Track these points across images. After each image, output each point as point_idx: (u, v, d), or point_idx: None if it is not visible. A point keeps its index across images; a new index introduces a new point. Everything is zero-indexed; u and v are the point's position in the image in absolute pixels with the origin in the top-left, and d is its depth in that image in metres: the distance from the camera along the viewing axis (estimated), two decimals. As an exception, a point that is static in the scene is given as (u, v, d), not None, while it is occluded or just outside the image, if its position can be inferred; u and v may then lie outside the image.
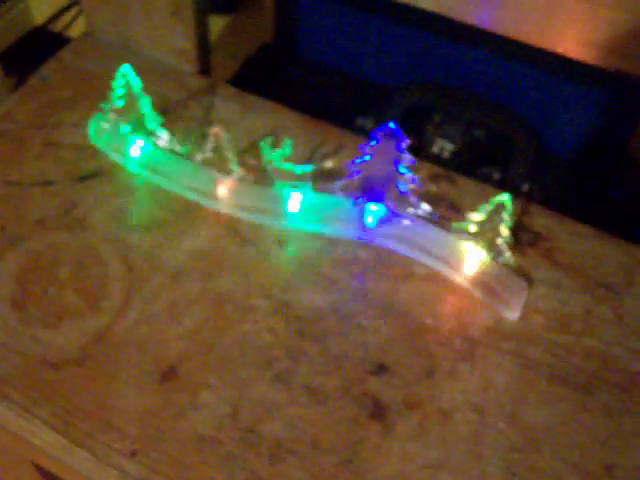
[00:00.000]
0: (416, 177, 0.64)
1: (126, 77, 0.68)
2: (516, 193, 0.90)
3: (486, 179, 0.94)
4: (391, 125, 0.60)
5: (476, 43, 0.95)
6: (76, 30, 1.25)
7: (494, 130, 0.94)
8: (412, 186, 0.64)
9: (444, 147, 0.94)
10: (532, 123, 0.96)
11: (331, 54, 1.07)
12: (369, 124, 0.96)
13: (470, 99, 0.96)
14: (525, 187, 0.92)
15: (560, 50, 0.64)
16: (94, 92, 0.79)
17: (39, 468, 0.71)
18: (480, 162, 0.95)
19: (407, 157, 0.62)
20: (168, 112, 0.77)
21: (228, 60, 1.08)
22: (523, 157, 0.93)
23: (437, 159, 0.94)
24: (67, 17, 1.30)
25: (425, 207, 0.66)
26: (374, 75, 1.06)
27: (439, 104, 0.96)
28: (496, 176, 0.94)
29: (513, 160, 0.94)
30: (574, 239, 0.71)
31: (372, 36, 1.02)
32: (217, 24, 1.18)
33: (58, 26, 1.31)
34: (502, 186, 0.92)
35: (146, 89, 0.72)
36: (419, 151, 0.96)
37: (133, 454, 0.56)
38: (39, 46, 1.25)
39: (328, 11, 1.02)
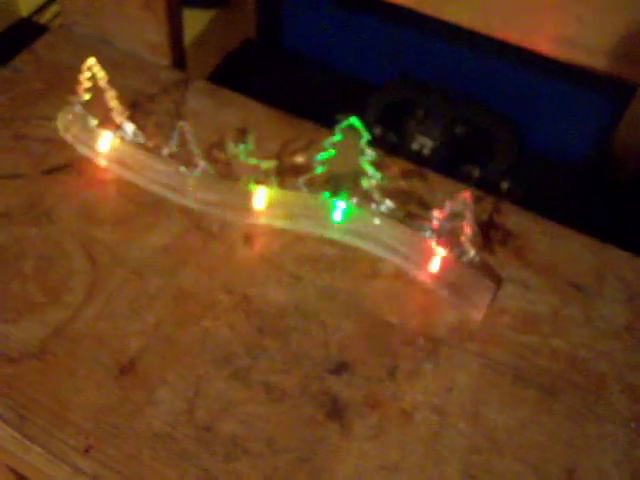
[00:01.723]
0: (379, 173, 0.63)
1: (92, 69, 0.67)
2: (496, 190, 0.90)
3: (466, 177, 0.93)
4: (353, 120, 0.60)
5: (461, 40, 0.95)
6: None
7: (475, 127, 0.94)
8: (374, 182, 0.64)
9: (425, 144, 0.94)
10: (514, 120, 0.95)
11: (314, 49, 1.06)
12: (350, 120, 0.96)
13: (451, 96, 0.95)
14: (505, 185, 0.92)
15: (529, 45, 0.63)
16: (66, 85, 0.78)
17: (14, 471, 0.71)
18: (461, 159, 0.94)
19: (369, 153, 0.61)
20: (140, 105, 0.77)
21: (211, 55, 1.07)
22: (503, 154, 0.93)
23: (418, 156, 0.94)
24: (53, 9, 1.29)
25: (389, 203, 0.65)
26: (357, 71, 1.05)
27: (421, 101, 0.95)
28: (476, 173, 0.94)
29: (493, 157, 0.93)
30: (546, 238, 0.70)
31: (355, 32, 1.02)
32: (200, 19, 1.17)
33: (44, 18, 1.30)
34: (482, 184, 0.92)
35: (119, 82, 0.71)
36: (400, 148, 0.95)
37: (87, 450, 0.55)
38: (25, 38, 1.24)
39: (311, 6, 1.02)
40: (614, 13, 0.58)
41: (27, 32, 1.27)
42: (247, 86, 0.84)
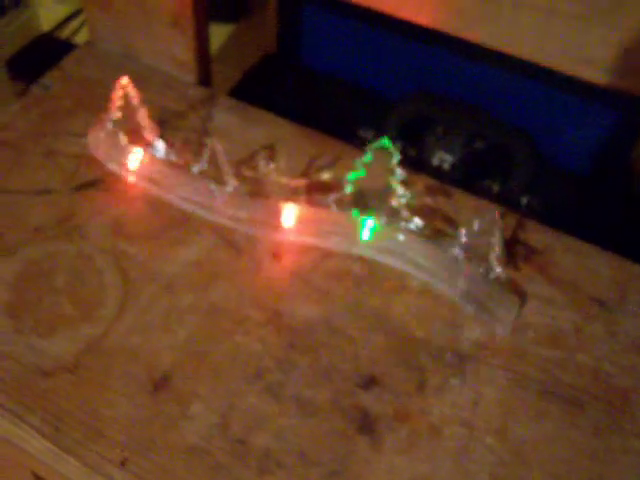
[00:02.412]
0: (408, 192, 0.64)
1: (125, 88, 0.69)
2: (515, 206, 0.91)
3: (486, 191, 0.94)
4: (384, 141, 0.61)
5: (478, 55, 0.96)
6: (82, 37, 1.26)
7: (494, 142, 0.95)
8: (404, 201, 0.65)
9: (444, 159, 0.95)
10: (533, 135, 0.96)
11: (333, 64, 1.07)
12: (370, 135, 0.97)
13: (470, 111, 0.96)
14: (524, 200, 0.93)
15: (555, 66, 0.64)
16: (95, 101, 0.79)
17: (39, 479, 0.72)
18: (480, 174, 0.95)
19: (399, 172, 0.63)
20: (167, 122, 0.78)
21: (231, 69, 1.09)
22: (523, 169, 0.94)
23: (437, 171, 0.95)
24: (74, 24, 1.31)
25: (417, 221, 0.66)
26: (376, 86, 1.06)
27: (440, 116, 0.96)
28: (496, 188, 0.94)
29: (513, 172, 0.94)
30: (569, 254, 0.71)
31: (374, 47, 1.03)
32: (220, 33, 1.19)
33: (65, 33, 1.32)
34: (502, 198, 0.93)
35: (146, 99, 0.72)
36: (419, 163, 0.96)
37: (123, 463, 0.56)
38: (46, 52, 1.26)
39: (330, 22, 1.03)
40: (635, 32, 0.59)
41: (49, 47, 1.29)
42: (267, 101, 0.85)
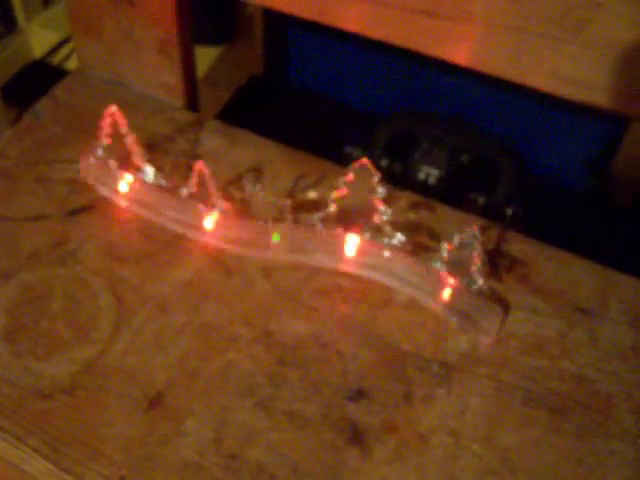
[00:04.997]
0: (389, 209, 0.66)
1: (113, 115, 0.70)
2: (501, 217, 0.93)
3: (472, 204, 0.96)
4: (364, 160, 0.63)
5: (462, 72, 0.98)
6: (74, 63, 1.28)
7: (479, 156, 0.97)
8: (386, 217, 0.67)
9: (430, 173, 0.97)
10: (517, 149, 0.98)
11: (319, 84, 1.09)
12: (357, 152, 0.99)
13: (455, 126, 0.98)
14: (509, 211, 0.95)
15: (529, 82, 0.66)
16: (86, 128, 0.81)
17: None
18: (466, 187, 0.97)
19: (380, 190, 0.64)
20: (156, 147, 0.80)
21: (219, 91, 1.11)
22: (507, 182, 0.96)
23: (423, 185, 0.97)
24: (65, 50, 1.33)
25: (400, 237, 0.68)
26: (362, 104, 1.08)
27: (425, 131, 0.98)
28: (481, 201, 0.96)
29: (498, 185, 0.96)
30: (551, 264, 0.73)
31: (359, 66, 1.05)
32: (208, 56, 1.21)
33: (56, 59, 1.34)
34: (487, 211, 0.95)
35: (136, 124, 0.74)
36: (406, 178, 0.98)
37: (121, 480, 0.58)
38: (38, 79, 1.28)
39: (316, 42, 1.05)
40: (606, 51, 0.61)
41: (41, 73, 1.31)
42: (255, 121, 0.87)
